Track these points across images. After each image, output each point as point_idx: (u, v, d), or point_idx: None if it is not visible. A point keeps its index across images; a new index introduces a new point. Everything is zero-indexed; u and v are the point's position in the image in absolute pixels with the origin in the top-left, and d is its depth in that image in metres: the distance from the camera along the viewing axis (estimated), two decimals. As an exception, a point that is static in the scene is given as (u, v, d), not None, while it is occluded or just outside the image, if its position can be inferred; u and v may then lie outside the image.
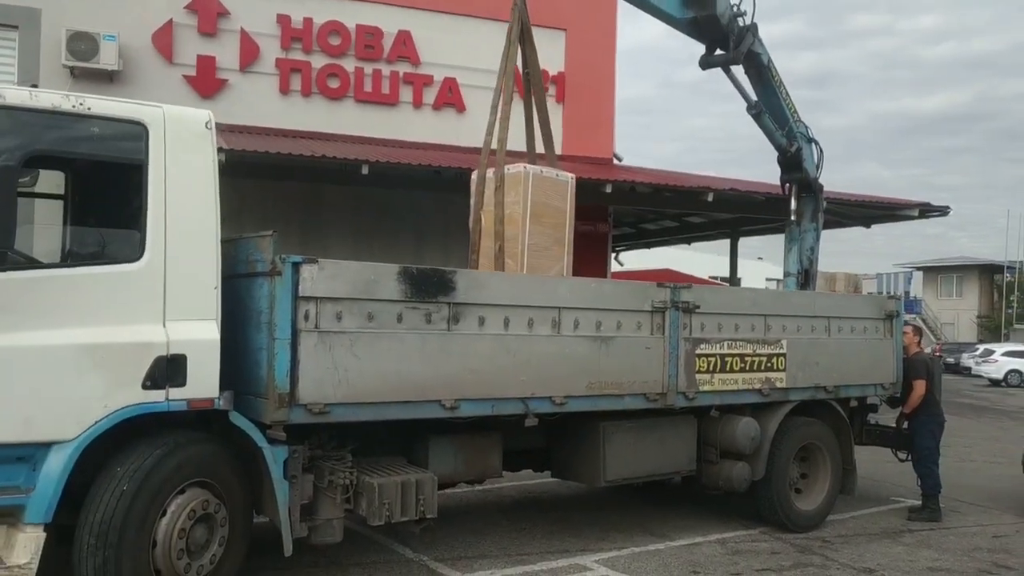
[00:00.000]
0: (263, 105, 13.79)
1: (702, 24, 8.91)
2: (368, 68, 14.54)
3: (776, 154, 9.78)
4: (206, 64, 13.53)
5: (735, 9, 8.99)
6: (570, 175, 7.57)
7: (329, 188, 13.03)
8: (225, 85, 13.66)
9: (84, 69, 12.52)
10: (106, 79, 12.79)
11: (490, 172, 7.29)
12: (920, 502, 8.85)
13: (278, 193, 12.61)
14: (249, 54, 13.81)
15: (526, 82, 7.97)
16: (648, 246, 24.77)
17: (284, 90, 14.06)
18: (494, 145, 7.37)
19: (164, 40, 13.28)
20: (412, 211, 13.94)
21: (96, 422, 4.57)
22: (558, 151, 15.13)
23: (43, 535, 4.39)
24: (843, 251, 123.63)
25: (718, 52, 9.22)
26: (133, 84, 12.99)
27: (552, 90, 15.62)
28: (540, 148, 8.17)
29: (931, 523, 8.50)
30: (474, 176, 7.52)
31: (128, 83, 12.96)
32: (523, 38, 7.67)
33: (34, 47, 12.68)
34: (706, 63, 9.31)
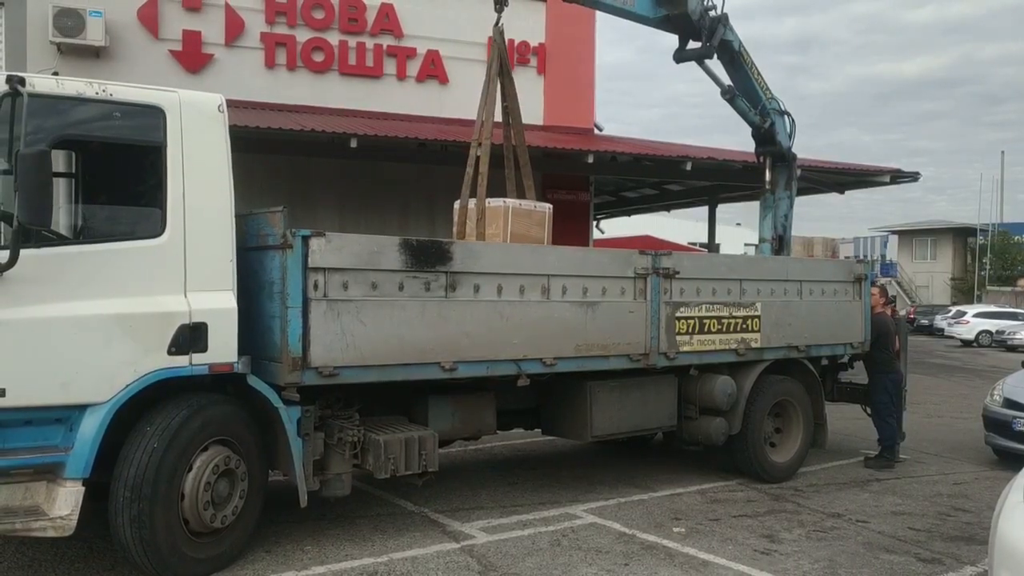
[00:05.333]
0: (249, 79, 13.97)
1: (674, 21, 9.18)
2: (352, 41, 14.75)
3: (751, 128, 10.15)
4: (191, 39, 13.68)
5: (705, 3, 9.23)
6: (548, 205, 7.96)
7: (315, 161, 13.28)
8: (211, 60, 13.83)
9: (71, 45, 12.65)
10: (92, 55, 12.94)
11: (471, 203, 7.64)
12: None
13: (265, 166, 12.84)
14: (234, 28, 13.96)
15: (504, 115, 8.27)
16: (628, 214, 25.20)
17: (269, 64, 14.25)
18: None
19: (150, 15, 13.40)
20: (397, 182, 14.25)
21: (127, 386, 4.93)
22: (540, 122, 15.59)
23: (82, 489, 4.75)
24: (823, 215, 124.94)
25: (691, 46, 9.47)
26: (119, 60, 13.15)
27: (533, 61, 15.91)
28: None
29: (892, 471, 9.06)
30: (456, 205, 7.88)
31: (115, 59, 13.12)
32: (502, 72, 7.99)
33: (20, 23, 12.76)
34: (680, 57, 9.56)
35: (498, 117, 8.21)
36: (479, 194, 7.54)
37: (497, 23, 8.12)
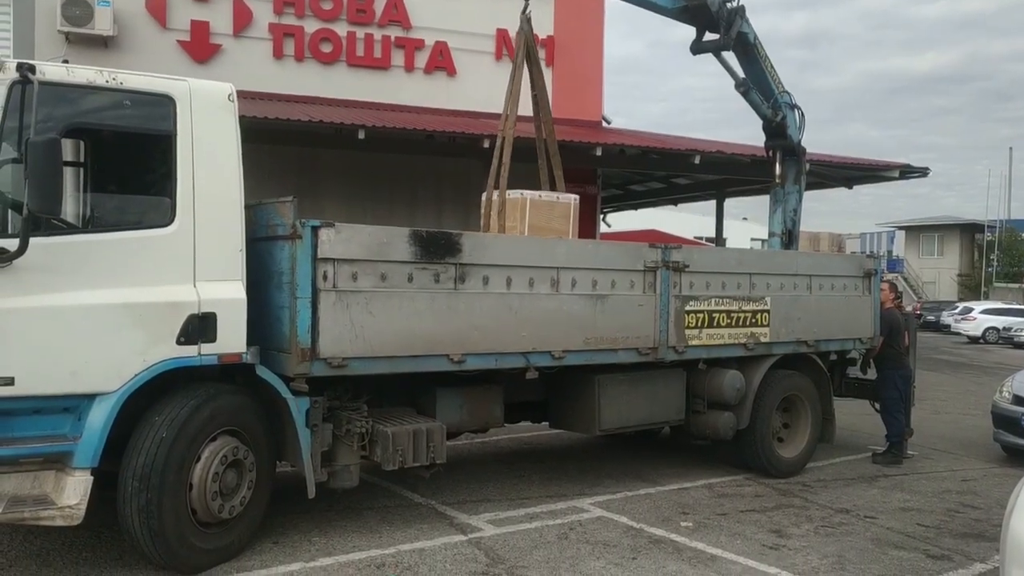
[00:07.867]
0: (257, 70, 13.96)
1: (692, 11, 9.14)
2: (360, 32, 14.72)
3: (762, 122, 10.10)
4: (200, 29, 13.67)
5: None
6: (573, 196, 7.87)
7: (323, 152, 13.28)
8: (219, 50, 13.83)
9: (79, 35, 12.65)
10: (101, 45, 12.93)
11: (495, 195, 7.62)
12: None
13: (272, 157, 12.84)
14: (242, 19, 13.95)
15: (534, 104, 8.26)
16: (635, 207, 25.13)
17: (277, 55, 14.24)
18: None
19: (158, 5, 13.40)
20: (404, 173, 14.23)
21: (136, 375, 4.92)
22: (548, 115, 15.50)
23: (90, 479, 4.74)
24: (829, 211, 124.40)
25: (707, 37, 9.43)
26: (127, 50, 13.14)
27: (541, 54, 15.82)
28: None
29: (900, 467, 9.03)
30: (483, 198, 7.87)
31: (123, 49, 13.12)
32: (530, 60, 7.93)
33: (29, 13, 12.77)
34: (697, 49, 9.51)
35: (523, 109, 8.15)
36: (500, 186, 7.50)
37: (525, 10, 8.04)
